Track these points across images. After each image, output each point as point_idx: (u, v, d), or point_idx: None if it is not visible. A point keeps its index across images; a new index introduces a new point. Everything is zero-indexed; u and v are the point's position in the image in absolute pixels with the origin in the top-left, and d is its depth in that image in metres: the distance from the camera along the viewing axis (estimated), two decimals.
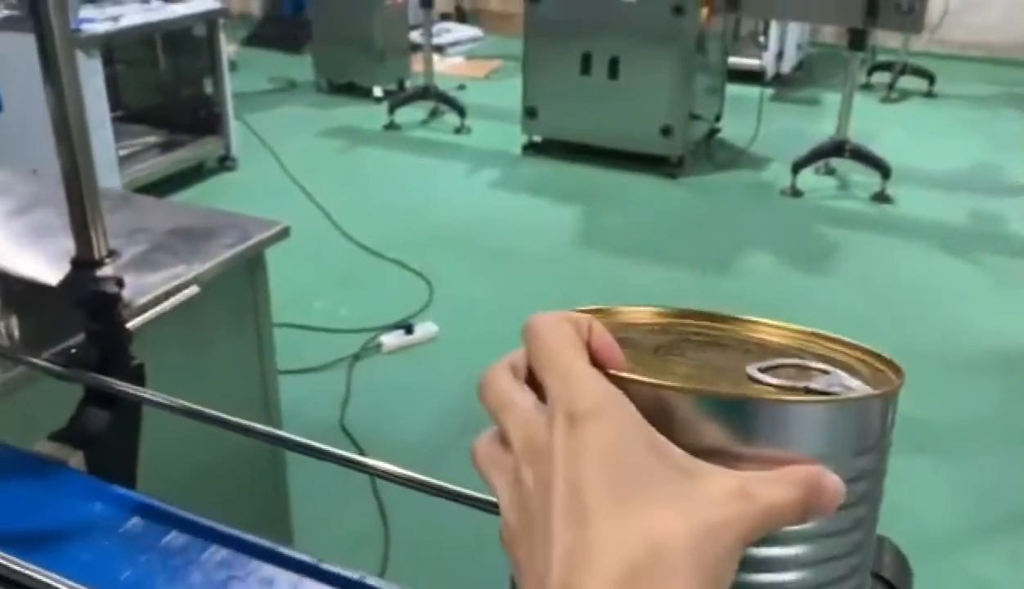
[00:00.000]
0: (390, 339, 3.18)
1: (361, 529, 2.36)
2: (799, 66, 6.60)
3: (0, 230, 1.32)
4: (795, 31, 6.32)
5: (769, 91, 5.79)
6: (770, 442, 0.35)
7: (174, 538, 0.83)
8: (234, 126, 4.71)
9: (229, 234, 1.44)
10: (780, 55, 6.29)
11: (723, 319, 0.46)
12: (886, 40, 6.17)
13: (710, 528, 0.32)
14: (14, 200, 1.48)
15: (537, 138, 5.09)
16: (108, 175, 3.84)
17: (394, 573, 2.16)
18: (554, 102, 4.90)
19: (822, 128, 4.90)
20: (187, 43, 4.69)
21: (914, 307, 3.57)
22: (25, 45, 1.26)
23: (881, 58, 6.40)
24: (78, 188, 1.26)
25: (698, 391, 0.35)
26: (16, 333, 1.11)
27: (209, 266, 1.30)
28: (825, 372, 0.39)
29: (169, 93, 4.93)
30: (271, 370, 1.63)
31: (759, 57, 6.17)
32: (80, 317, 0.98)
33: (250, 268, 1.47)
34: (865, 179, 4.62)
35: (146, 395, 0.88)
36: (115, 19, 3.97)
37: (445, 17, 7.88)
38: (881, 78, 6.30)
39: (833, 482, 0.34)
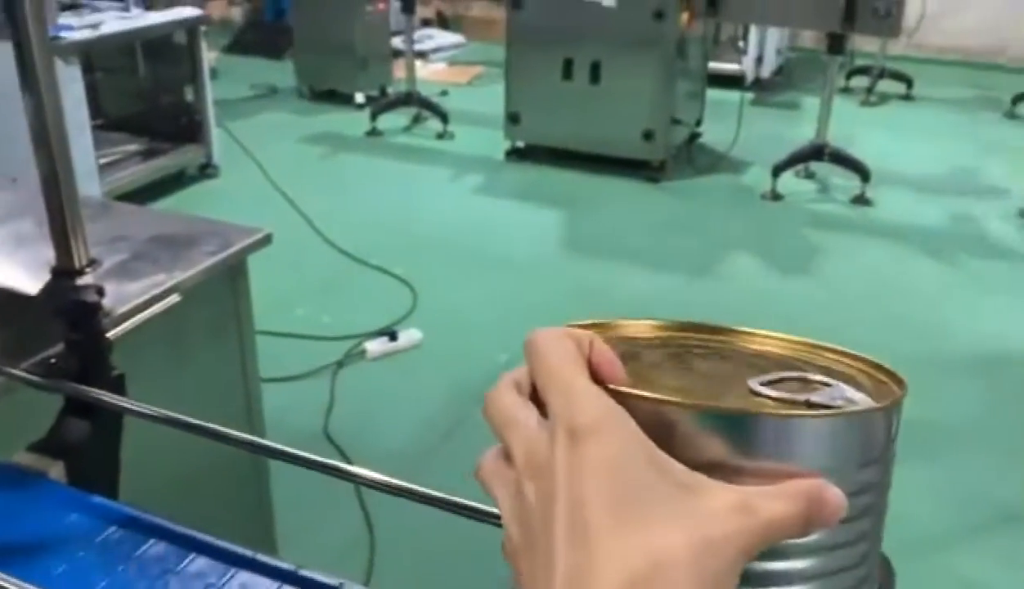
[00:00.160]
0: (374, 346, 3.18)
1: (346, 538, 2.34)
2: (778, 71, 6.65)
3: None
4: (774, 36, 6.37)
5: (749, 96, 5.83)
6: (772, 456, 0.35)
7: (152, 547, 0.82)
8: (215, 133, 4.69)
9: (210, 242, 1.43)
10: (760, 60, 6.33)
11: (724, 331, 0.46)
12: (864, 44, 6.23)
13: (711, 543, 0.32)
14: None
15: (520, 143, 5.10)
16: (88, 183, 3.81)
17: (379, 581, 2.15)
18: (537, 108, 4.91)
19: (802, 132, 4.93)
20: (167, 50, 4.67)
21: (894, 309, 3.59)
22: (1, 53, 1.25)
23: (859, 62, 6.46)
24: (57, 196, 1.25)
25: (699, 406, 0.35)
26: None
27: (190, 274, 1.29)
28: (827, 385, 0.39)
29: (150, 101, 4.90)
30: (254, 378, 1.62)
31: (739, 62, 6.21)
32: (60, 327, 0.97)
33: (232, 276, 1.46)
34: (845, 182, 4.65)
35: (127, 405, 0.88)
36: (94, 27, 3.94)
37: (427, 23, 7.89)
38: (860, 82, 6.36)
39: (835, 495, 0.35)
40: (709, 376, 0.41)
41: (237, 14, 8.30)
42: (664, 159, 4.80)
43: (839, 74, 5.36)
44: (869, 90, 6.25)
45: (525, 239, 4.18)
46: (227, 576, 0.80)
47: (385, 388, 3.04)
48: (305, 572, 0.81)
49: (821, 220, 4.45)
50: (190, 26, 4.41)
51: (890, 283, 3.84)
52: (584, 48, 4.72)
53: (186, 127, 4.66)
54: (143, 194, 4.28)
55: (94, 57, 4.50)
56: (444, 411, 2.89)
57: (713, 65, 5.55)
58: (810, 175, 4.81)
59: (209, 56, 4.69)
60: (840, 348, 0.44)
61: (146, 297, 1.17)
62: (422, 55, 6.90)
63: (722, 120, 5.12)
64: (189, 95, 4.68)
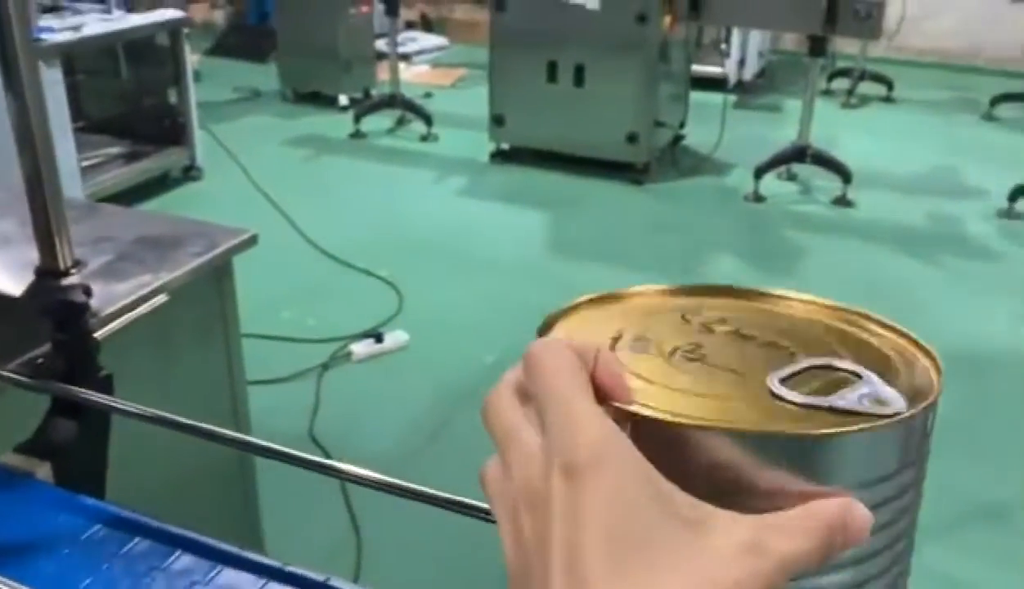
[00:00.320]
0: (360, 348, 3.18)
1: (333, 538, 2.34)
2: (761, 73, 6.70)
3: None
4: (756, 39, 6.42)
5: (732, 98, 5.86)
6: (792, 475, 0.32)
7: (137, 545, 0.83)
8: (199, 136, 4.67)
9: (196, 242, 1.43)
10: (742, 62, 6.37)
11: (743, 295, 0.44)
12: (845, 47, 6.29)
13: None
14: None
15: (504, 146, 5.11)
16: (71, 186, 3.79)
17: (366, 579, 2.15)
18: (521, 110, 4.93)
19: (784, 134, 4.97)
20: (150, 53, 4.65)
21: (876, 308, 3.61)
22: None
23: (840, 65, 6.52)
24: (41, 197, 1.25)
25: (710, 426, 0.33)
26: None
27: (177, 274, 1.29)
28: (856, 377, 0.37)
29: (132, 103, 4.88)
30: (240, 380, 1.62)
31: (721, 65, 6.24)
32: (47, 327, 0.97)
33: (218, 277, 1.46)
34: (826, 183, 4.69)
35: (115, 404, 0.88)
36: (76, 28, 3.92)
37: (410, 26, 7.89)
38: (841, 84, 6.41)
39: (859, 517, 0.32)
40: (725, 369, 0.38)
41: (219, 17, 8.27)
42: (648, 161, 4.83)
43: (820, 76, 5.41)
44: (850, 92, 6.31)
45: (510, 241, 4.19)
46: (213, 573, 0.80)
47: (371, 390, 3.04)
48: (291, 568, 0.81)
49: (803, 221, 4.48)
50: (173, 28, 4.39)
51: (872, 283, 3.87)
52: (568, 51, 4.74)
53: (169, 129, 4.64)
54: (126, 197, 4.26)
55: (76, 59, 4.48)
56: (430, 413, 2.89)
57: (696, 68, 5.59)
58: (792, 177, 4.84)
59: (192, 58, 4.68)
60: (867, 313, 0.42)
61: (133, 297, 1.17)
62: (405, 57, 6.90)
63: (705, 122, 5.15)
64: (172, 97, 4.67)
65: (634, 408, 0.34)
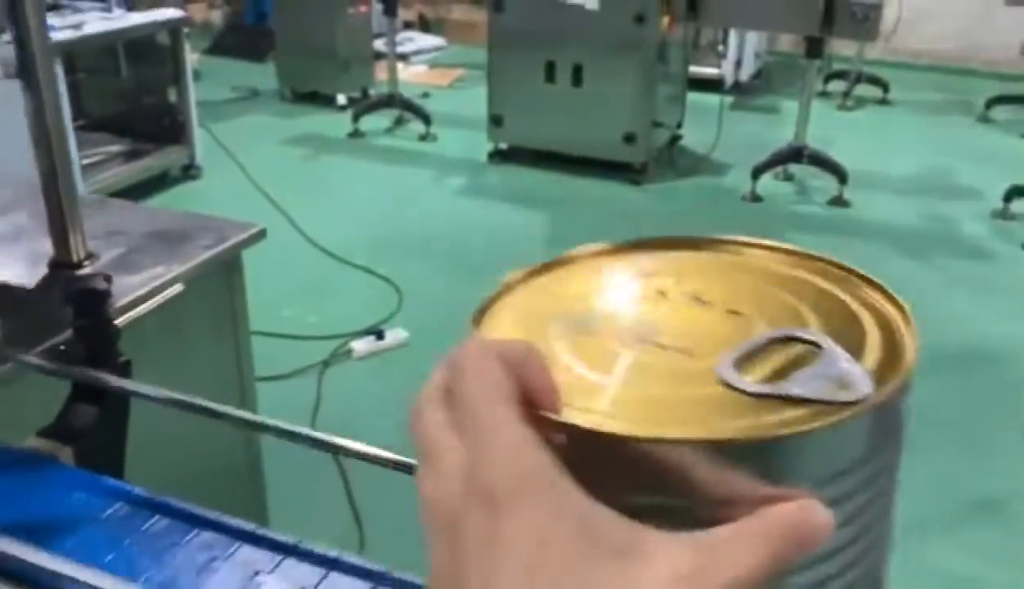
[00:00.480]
0: (360, 345, 3.19)
1: (336, 522, 2.37)
2: (757, 75, 6.73)
3: None
4: (753, 40, 6.45)
5: (729, 99, 5.89)
6: (743, 479, 0.29)
7: (157, 523, 0.85)
8: (198, 135, 4.69)
9: (206, 236, 1.45)
10: (739, 64, 6.41)
11: (706, 246, 0.41)
12: (841, 49, 6.32)
13: None
14: None
15: (503, 145, 5.13)
16: None
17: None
18: (519, 110, 4.95)
19: (780, 135, 5.00)
20: (150, 52, 4.66)
21: None
22: None
23: (836, 67, 6.56)
24: (56, 192, 1.28)
25: (645, 439, 0.29)
26: None
27: (189, 266, 1.31)
28: (816, 348, 0.34)
29: (132, 101, 4.89)
30: (249, 373, 1.65)
31: (718, 66, 6.28)
32: (61, 317, 0.99)
33: (228, 270, 1.48)
34: (823, 184, 4.73)
35: (135, 388, 0.90)
36: (77, 27, 3.94)
37: (408, 26, 7.91)
38: (837, 86, 6.45)
39: (817, 520, 0.29)
40: (676, 350, 0.34)
41: (217, 17, 8.27)
42: (646, 161, 4.85)
43: (817, 78, 5.44)
44: (846, 94, 6.34)
45: (509, 239, 4.21)
46: (231, 549, 0.82)
47: (371, 387, 3.06)
48: (305, 545, 0.83)
49: (800, 221, 4.51)
50: (173, 27, 4.41)
51: None
52: (566, 51, 4.76)
53: (169, 128, 4.65)
54: (126, 195, 4.26)
55: (76, 57, 4.49)
56: None
57: (693, 69, 5.61)
58: (789, 177, 4.88)
59: (191, 58, 4.70)
60: (834, 260, 0.39)
61: (150, 286, 1.19)
62: (403, 58, 6.92)
63: (702, 123, 5.18)
64: (172, 96, 4.68)
65: (566, 418, 0.30)
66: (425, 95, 6.19)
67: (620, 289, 0.39)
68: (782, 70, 6.86)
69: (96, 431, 0.91)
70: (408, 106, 5.55)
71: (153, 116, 4.72)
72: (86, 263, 1.33)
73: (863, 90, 6.38)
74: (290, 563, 0.81)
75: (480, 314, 0.40)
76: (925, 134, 5.83)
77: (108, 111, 4.83)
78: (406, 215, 4.47)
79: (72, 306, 0.91)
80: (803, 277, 0.39)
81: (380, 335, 3.24)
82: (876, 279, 0.39)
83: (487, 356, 0.31)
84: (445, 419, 0.31)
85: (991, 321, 3.59)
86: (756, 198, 4.66)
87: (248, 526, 0.85)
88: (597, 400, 0.32)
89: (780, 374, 0.32)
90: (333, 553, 0.84)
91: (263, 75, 6.45)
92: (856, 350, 0.34)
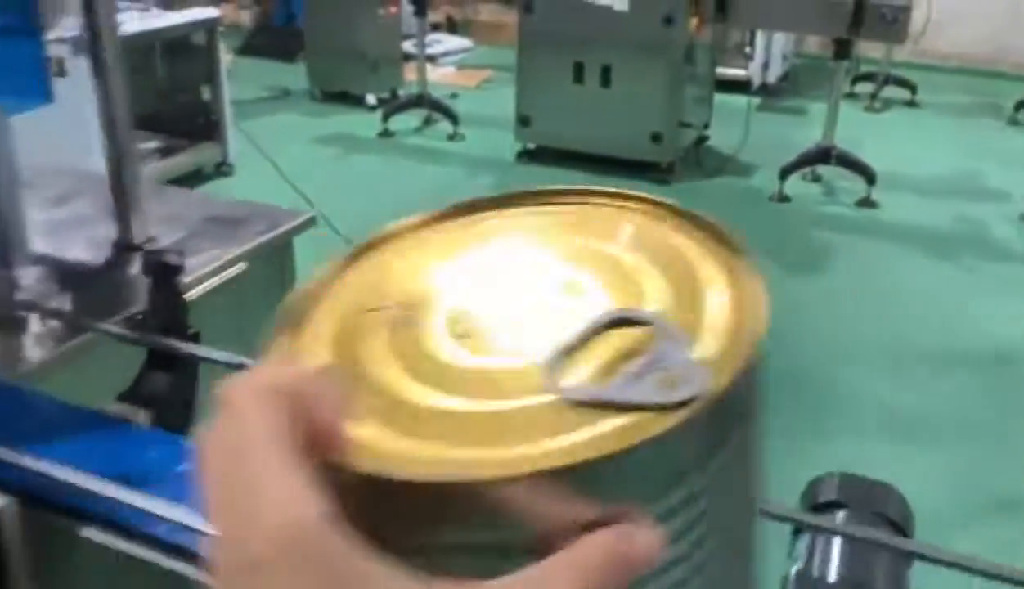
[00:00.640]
0: None
1: None
2: (784, 77, 6.74)
3: (45, 218, 1.39)
4: (780, 42, 6.46)
5: (756, 101, 5.91)
6: (558, 506, 0.26)
7: None
8: (231, 133, 4.77)
9: (258, 222, 1.51)
10: (766, 65, 6.42)
11: (539, 200, 0.37)
12: (868, 51, 6.32)
13: None
14: (51, 192, 1.55)
15: (530, 145, 5.18)
16: None
17: None
18: (547, 110, 5.00)
19: (807, 136, 5.01)
20: (185, 51, 4.75)
21: (899, 307, 3.67)
22: None
23: (864, 69, 6.55)
24: (121, 177, 1.34)
25: (439, 483, 0.26)
26: (71, 307, 1.18)
27: (248, 249, 1.37)
28: (646, 326, 0.30)
29: (167, 99, 4.98)
30: None
31: (745, 67, 6.29)
32: (138, 290, 1.05)
33: (281, 254, 1.54)
34: (851, 185, 4.74)
35: (208, 354, 0.95)
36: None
37: (436, 28, 7.98)
38: (864, 88, 6.45)
39: (642, 542, 0.26)
40: (499, 351, 0.31)
41: (246, 18, 8.38)
42: (672, 161, 4.89)
43: (845, 80, 5.44)
44: (874, 96, 6.34)
45: None
46: None
47: None
48: None
49: (828, 221, 4.53)
50: (209, 27, 4.50)
51: (896, 282, 3.92)
52: (595, 52, 4.81)
53: (202, 126, 4.74)
54: None
55: None
56: None
57: (720, 70, 5.64)
58: (816, 178, 4.89)
59: (224, 57, 4.78)
60: (674, 205, 0.36)
61: (215, 264, 1.25)
62: (431, 59, 6.98)
63: (729, 124, 5.21)
64: (205, 95, 4.77)
65: (353, 461, 0.27)
66: (453, 96, 6.25)
67: (449, 268, 0.35)
68: (809, 72, 6.86)
69: (170, 395, 0.96)
70: (437, 106, 5.61)
71: (187, 114, 4.81)
72: (146, 245, 1.39)
73: (891, 92, 6.37)
74: None
75: (289, 319, 0.35)
76: (953, 136, 5.82)
77: (143, 108, 4.92)
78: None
79: (150, 277, 0.96)
80: (648, 232, 0.35)
81: None
82: (718, 224, 0.34)
83: (260, 392, 0.27)
84: (223, 469, 0.27)
85: (1018, 322, 3.59)
86: (784, 198, 4.67)
87: None
88: (402, 422, 0.29)
89: (608, 370, 0.29)
90: None
91: (293, 75, 6.54)
92: (695, 325, 0.30)
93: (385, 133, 5.55)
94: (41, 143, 1.41)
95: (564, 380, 0.29)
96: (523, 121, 5.07)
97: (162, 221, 1.42)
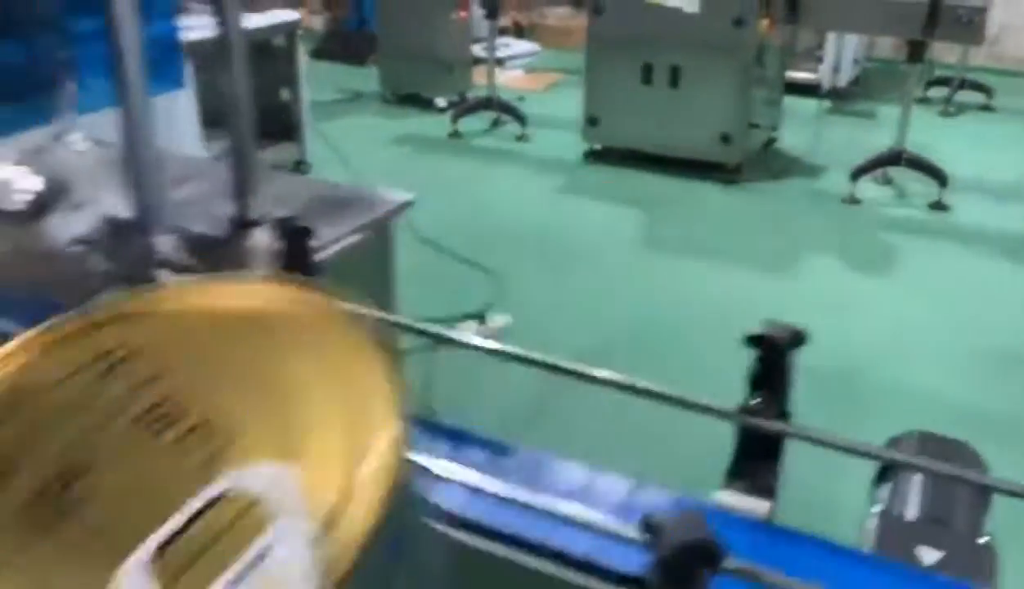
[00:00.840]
0: (471, 327, 3.35)
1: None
2: (855, 81, 6.67)
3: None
4: (851, 45, 6.41)
5: (826, 104, 5.88)
6: None
7: None
8: (308, 133, 4.94)
9: (360, 204, 1.60)
10: (836, 69, 6.37)
11: (166, 303, 0.29)
12: (942, 55, 6.23)
13: None
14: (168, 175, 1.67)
15: (598, 146, 5.24)
16: None
17: None
18: (615, 111, 5.05)
19: (878, 140, 4.97)
20: (266, 53, 4.92)
21: (973, 310, 3.64)
22: None
23: (938, 74, 6.46)
24: (242, 159, 1.44)
25: None
26: (202, 270, 1.28)
27: (355, 227, 1.47)
28: (259, 522, 0.24)
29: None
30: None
31: (815, 71, 6.26)
32: (259, 260, 1.14)
33: (382, 239, 1.64)
34: (922, 188, 4.69)
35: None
36: (208, 28, 4.20)
37: (503, 32, 8.09)
38: (938, 93, 6.35)
39: None
40: (97, 533, 0.26)
41: (317, 23, 8.61)
42: (741, 162, 4.90)
43: (918, 85, 5.39)
44: (948, 100, 6.24)
45: (606, 235, 4.32)
46: None
47: (475, 370, 3.19)
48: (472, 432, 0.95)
49: (899, 224, 4.50)
50: (290, 30, 4.66)
51: (968, 285, 3.88)
52: (664, 53, 4.85)
53: (282, 126, 4.91)
54: None
55: (203, 56, 4.78)
56: (529, 397, 3.03)
57: (790, 73, 5.63)
58: (887, 181, 4.85)
59: (302, 60, 4.95)
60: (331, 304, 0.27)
61: (338, 233, 1.35)
62: (499, 62, 7.09)
63: (798, 127, 5.20)
64: (284, 96, 4.93)
65: None
66: (520, 99, 6.34)
67: (57, 415, 0.28)
68: (880, 76, 6.79)
69: None
70: (505, 108, 5.71)
71: (268, 114, 4.96)
72: (262, 222, 1.49)
73: (965, 96, 6.27)
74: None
75: None
76: None
77: (226, 109, 5.11)
78: (507, 211, 4.61)
79: (284, 240, 1.05)
80: (272, 357, 0.26)
81: (482, 319, 3.38)
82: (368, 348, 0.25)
83: None
84: None
85: None
86: (854, 200, 4.65)
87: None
88: None
89: (212, 570, 0.22)
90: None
91: (365, 78, 6.71)
92: (311, 487, 0.24)
93: (455, 134, 5.67)
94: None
95: None
96: (591, 121, 5.13)
97: (273, 202, 1.53)
